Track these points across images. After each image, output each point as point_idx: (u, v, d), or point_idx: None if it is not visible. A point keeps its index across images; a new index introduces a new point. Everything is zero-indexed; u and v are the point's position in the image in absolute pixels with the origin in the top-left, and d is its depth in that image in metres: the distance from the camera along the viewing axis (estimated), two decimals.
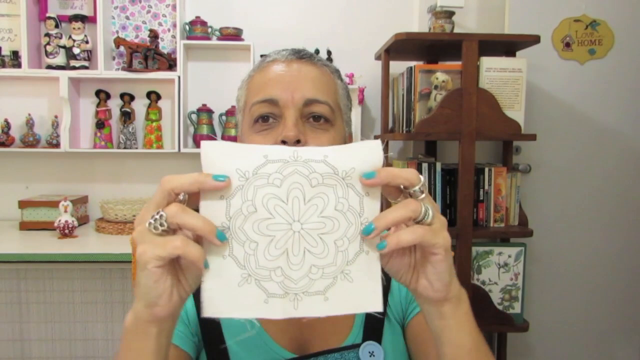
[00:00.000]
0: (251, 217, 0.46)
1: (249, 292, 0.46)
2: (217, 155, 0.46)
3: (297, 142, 0.63)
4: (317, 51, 2.20)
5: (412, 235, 0.45)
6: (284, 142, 0.63)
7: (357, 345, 0.70)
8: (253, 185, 0.46)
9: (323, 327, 0.70)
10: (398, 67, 2.07)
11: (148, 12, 2.27)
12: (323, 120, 0.67)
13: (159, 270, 0.44)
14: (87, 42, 2.14)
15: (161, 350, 0.49)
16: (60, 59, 2.13)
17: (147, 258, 0.43)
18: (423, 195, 0.47)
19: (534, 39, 1.83)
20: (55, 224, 1.88)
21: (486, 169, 1.89)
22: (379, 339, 0.71)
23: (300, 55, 0.72)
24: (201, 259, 0.44)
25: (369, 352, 0.69)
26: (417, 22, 2.25)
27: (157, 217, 0.44)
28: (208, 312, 0.46)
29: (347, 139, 0.73)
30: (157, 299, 0.45)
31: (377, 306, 0.47)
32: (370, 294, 0.48)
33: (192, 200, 0.47)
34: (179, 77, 2.14)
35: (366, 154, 0.47)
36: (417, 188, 0.47)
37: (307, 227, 0.46)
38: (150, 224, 0.44)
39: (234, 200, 0.46)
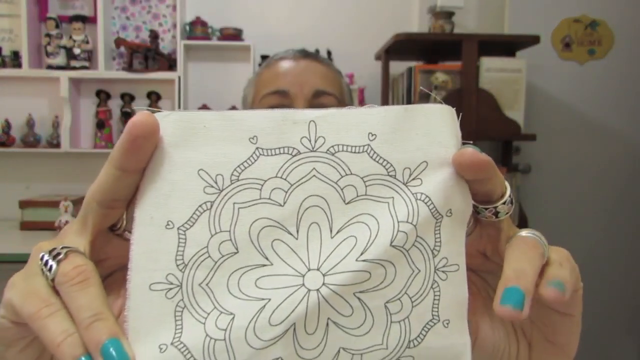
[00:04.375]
0: (227, 263, 0.25)
1: None
2: (162, 143, 0.25)
3: None
4: (317, 51, 2.20)
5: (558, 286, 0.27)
6: None
7: None
8: (231, 202, 0.25)
9: None
10: (398, 67, 2.07)
11: (148, 12, 2.27)
12: None
13: (9, 326, 0.25)
14: (87, 43, 2.14)
15: None
16: (60, 59, 2.13)
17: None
18: (508, 212, 0.29)
19: (534, 39, 1.83)
20: (56, 224, 1.88)
21: None
22: None
23: (306, 53, 0.76)
24: (69, 354, 0.23)
25: None
26: (417, 23, 2.25)
27: (45, 268, 0.25)
28: None
29: None
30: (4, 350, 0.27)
31: None
32: None
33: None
34: (179, 78, 2.15)
35: (438, 129, 0.28)
36: (507, 197, 0.29)
37: (334, 282, 0.25)
38: (42, 269, 0.25)
39: (193, 232, 0.24)
